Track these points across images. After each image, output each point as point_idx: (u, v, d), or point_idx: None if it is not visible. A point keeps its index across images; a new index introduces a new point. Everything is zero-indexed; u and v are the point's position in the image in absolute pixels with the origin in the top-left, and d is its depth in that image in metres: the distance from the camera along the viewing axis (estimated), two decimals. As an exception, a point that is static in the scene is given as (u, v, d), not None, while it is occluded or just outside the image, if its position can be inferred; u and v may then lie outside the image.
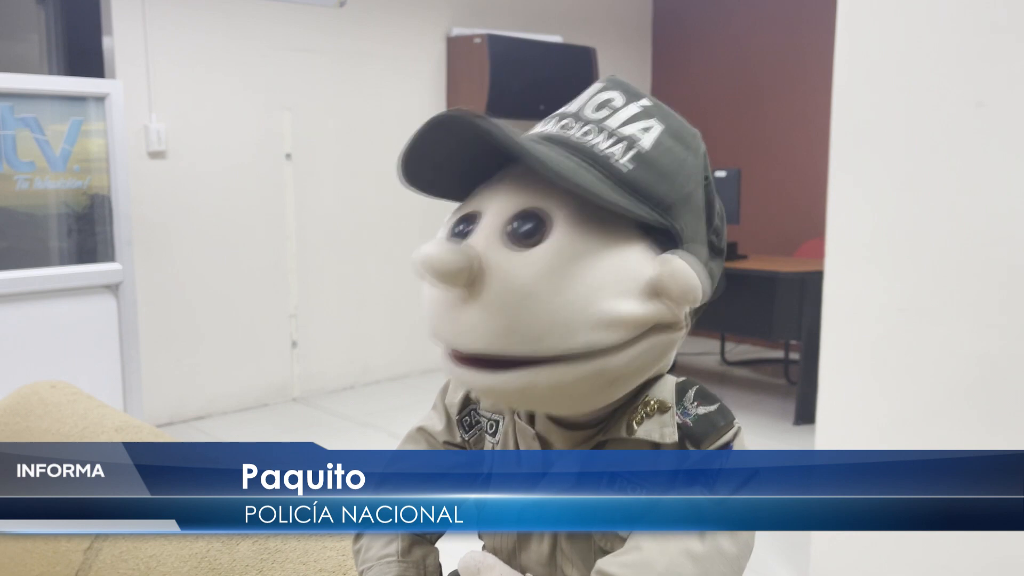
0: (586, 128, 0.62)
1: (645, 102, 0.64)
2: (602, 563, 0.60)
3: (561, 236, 0.58)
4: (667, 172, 0.62)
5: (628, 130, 0.62)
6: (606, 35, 5.37)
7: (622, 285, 0.58)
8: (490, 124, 0.56)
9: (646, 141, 0.61)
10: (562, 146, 0.61)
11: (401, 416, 3.83)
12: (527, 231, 0.58)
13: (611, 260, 0.58)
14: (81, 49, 3.90)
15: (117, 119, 2.94)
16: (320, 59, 4.16)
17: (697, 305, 0.61)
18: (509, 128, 0.57)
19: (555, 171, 0.57)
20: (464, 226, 0.61)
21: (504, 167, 0.63)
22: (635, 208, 0.60)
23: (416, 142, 0.59)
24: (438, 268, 0.56)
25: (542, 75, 4.57)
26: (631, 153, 0.61)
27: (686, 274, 0.58)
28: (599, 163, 0.60)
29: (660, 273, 0.59)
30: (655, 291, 0.59)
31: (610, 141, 0.61)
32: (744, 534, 0.61)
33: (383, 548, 0.71)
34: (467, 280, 0.57)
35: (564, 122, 0.64)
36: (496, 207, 0.60)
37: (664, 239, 0.61)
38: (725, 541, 0.60)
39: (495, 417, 0.72)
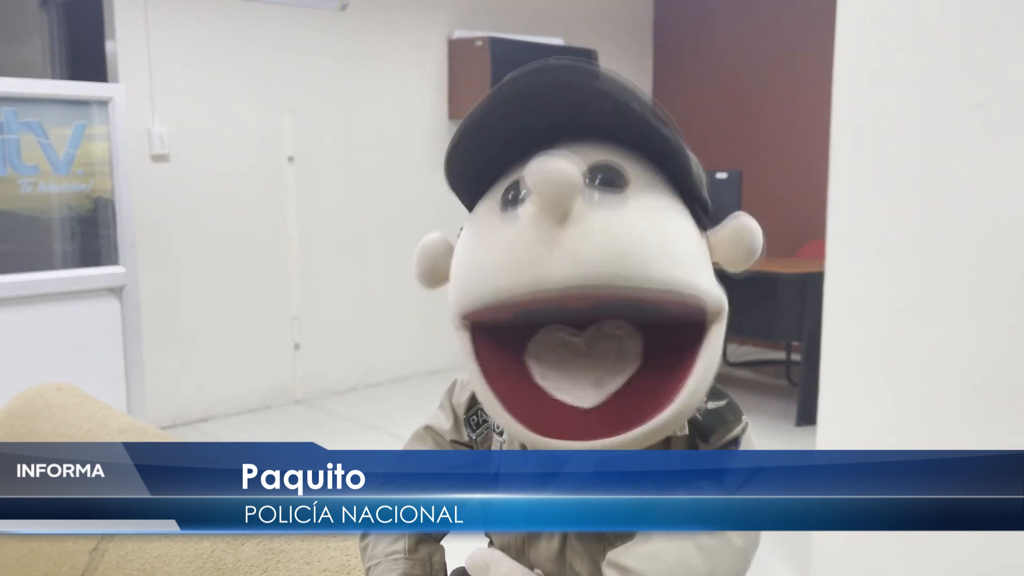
0: (626, 98, 0.60)
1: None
2: (613, 555, 0.61)
3: (642, 187, 0.58)
4: (686, 152, 0.62)
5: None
6: (607, 37, 5.38)
7: (699, 248, 0.59)
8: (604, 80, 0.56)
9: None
10: None
11: (403, 418, 3.83)
12: (608, 178, 0.57)
13: (685, 222, 0.59)
14: (84, 53, 3.91)
15: (120, 123, 2.95)
16: (322, 62, 4.17)
17: (753, 262, 0.62)
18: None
19: (662, 132, 0.57)
20: (517, 193, 0.59)
21: (528, 156, 0.60)
22: (699, 185, 0.61)
23: (496, 106, 0.57)
24: (560, 180, 0.52)
25: (544, 77, 4.57)
26: (671, 124, 0.61)
27: (756, 231, 0.61)
28: None
29: (737, 227, 0.61)
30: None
31: (651, 113, 0.60)
32: None
33: (390, 545, 0.72)
34: (571, 206, 0.54)
35: None
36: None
37: (698, 212, 0.62)
38: (733, 533, 0.61)
39: None
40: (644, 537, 0.61)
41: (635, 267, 0.54)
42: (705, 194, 0.62)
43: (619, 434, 0.56)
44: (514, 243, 0.56)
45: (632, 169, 0.58)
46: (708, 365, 0.58)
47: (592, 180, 0.56)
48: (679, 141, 0.59)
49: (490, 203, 0.61)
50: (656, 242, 0.55)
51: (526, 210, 0.55)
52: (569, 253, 0.53)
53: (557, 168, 0.52)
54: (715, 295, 0.58)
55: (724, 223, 0.61)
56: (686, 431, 0.64)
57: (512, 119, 0.58)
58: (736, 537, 0.61)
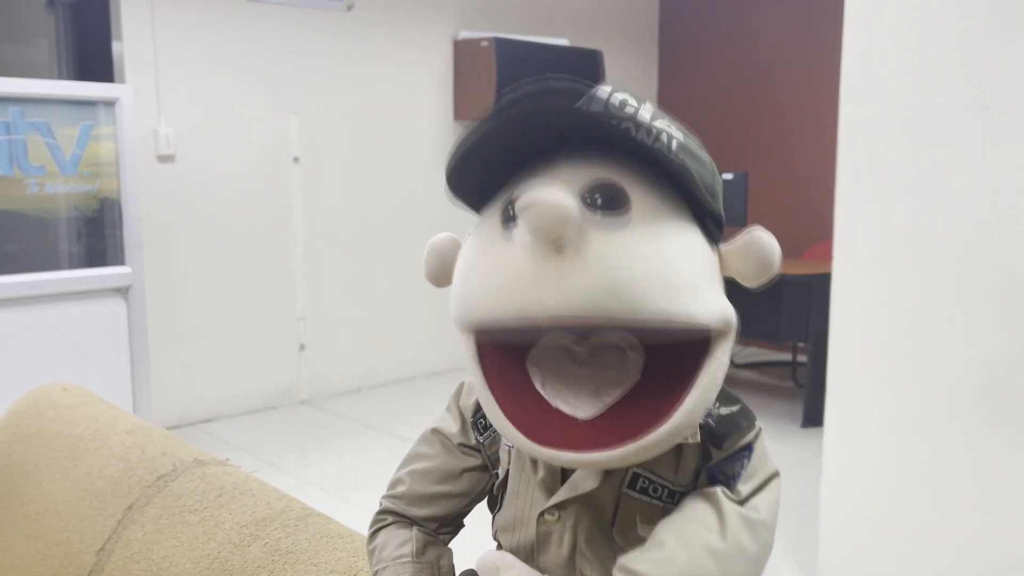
0: (624, 125, 0.57)
1: (650, 104, 0.63)
2: (624, 559, 0.60)
3: (645, 206, 0.55)
4: (704, 162, 0.60)
5: (660, 124, 0.58)
6: (613, 38, 5.37)
7: (705, 268, 0.57)
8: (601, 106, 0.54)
9: (678, 134, 0.59)
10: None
11: (407, 418, 3.83)
12: (608, 198, 0.55)
13: (690, 241, 0.57)
14: (91, 54, 3.93)
15: (126, 123, 2.96)
16: (327, 63, 4.17)
17: (768, 278, 0.60)
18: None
19: (677, 159, 0.55)
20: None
21: (532, 163, 0.59)
22: (709, 199, 0.58)
23: (491, 130, 0.55)
24: (550, 213, 0.50)
25: (549, 78, 4.57)
26: (675, 144, 0.57)
27: (770, 246, 0.59)
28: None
29: (749, 242, 0.59)
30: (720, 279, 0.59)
31: (652, 135, 0.57)
32: (764, 533, 0.61)
33: (397, 549, 0.72)
34: (564, 235, 0.52)
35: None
36: (564, 179, 0.55)
37: (709, 226, 0.60)
38: (746, 539, 0.60)
39: None
40: (656, 542, 0.60)
41: (628, 301, 0.53)
42: (718, 206, 0.60)
43: (610, 448, 0.55)
44: (507, 268, 0.55)
45: (634, 186, 0.56)
46: (709, 383, 0.57)
47: (592, 201, 0.54)
48: (683, 164, 0.57)
49: (492, 215, 0.60)
50: (653, 272, 0.53)
51: (521, 234, 0.54)
52: (562, 285, 0.52)
53: (547, 200, 0.50)
54: (718, 315, 0.57)
55: (737, 237, 0.59)
56: (698, 438, 0.63)
57: (512, 136, 0.57)
58: (749, 543, 0.60)
